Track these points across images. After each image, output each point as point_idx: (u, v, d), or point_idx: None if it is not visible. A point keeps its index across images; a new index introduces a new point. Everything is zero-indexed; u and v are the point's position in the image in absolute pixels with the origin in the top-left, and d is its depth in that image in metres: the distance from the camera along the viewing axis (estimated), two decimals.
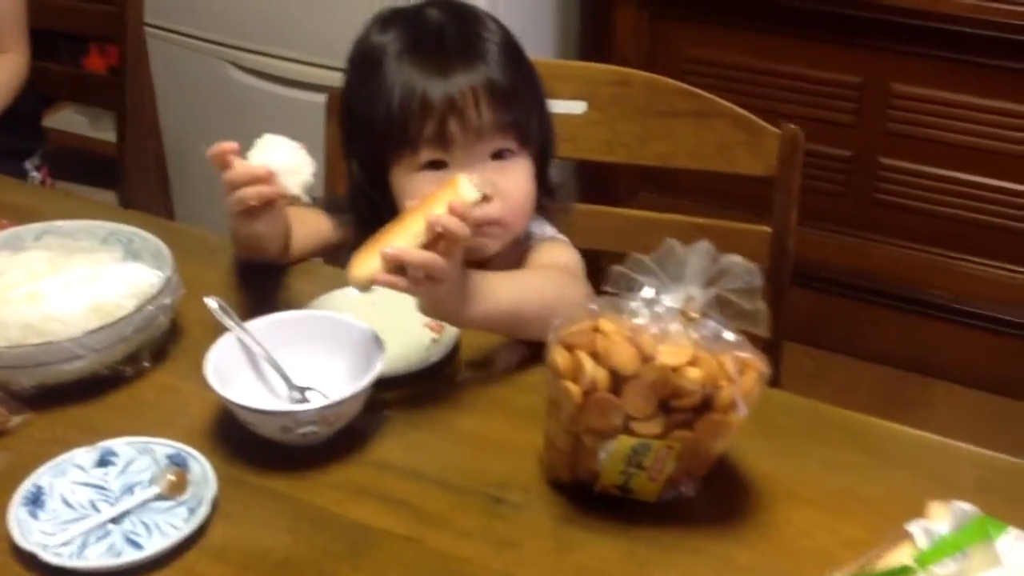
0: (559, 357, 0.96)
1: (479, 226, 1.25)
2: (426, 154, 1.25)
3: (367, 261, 1.05)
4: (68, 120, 3.31)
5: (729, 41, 2.68)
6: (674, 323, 0.91)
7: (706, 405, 0.94)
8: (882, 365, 2.75)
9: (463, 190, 1.08)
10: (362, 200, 1.35)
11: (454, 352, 1.21)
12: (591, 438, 0.97)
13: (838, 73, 2.59)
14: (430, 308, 1.12)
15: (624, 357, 0.93)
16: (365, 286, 1.06)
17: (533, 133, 1.29)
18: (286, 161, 1.14)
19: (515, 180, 1.28)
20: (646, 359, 0.93)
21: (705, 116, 1.56)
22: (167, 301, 1.17)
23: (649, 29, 2.74)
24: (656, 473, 0.98)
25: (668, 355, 0.93)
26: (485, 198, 1.16)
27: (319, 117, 2.68)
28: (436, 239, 1.06)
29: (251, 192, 1.14)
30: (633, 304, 0.92)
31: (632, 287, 0.92)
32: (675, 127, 1.57)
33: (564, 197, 1.41)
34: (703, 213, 2.59)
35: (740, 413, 0.94)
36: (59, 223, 1.29)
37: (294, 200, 1.16)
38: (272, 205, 1.16)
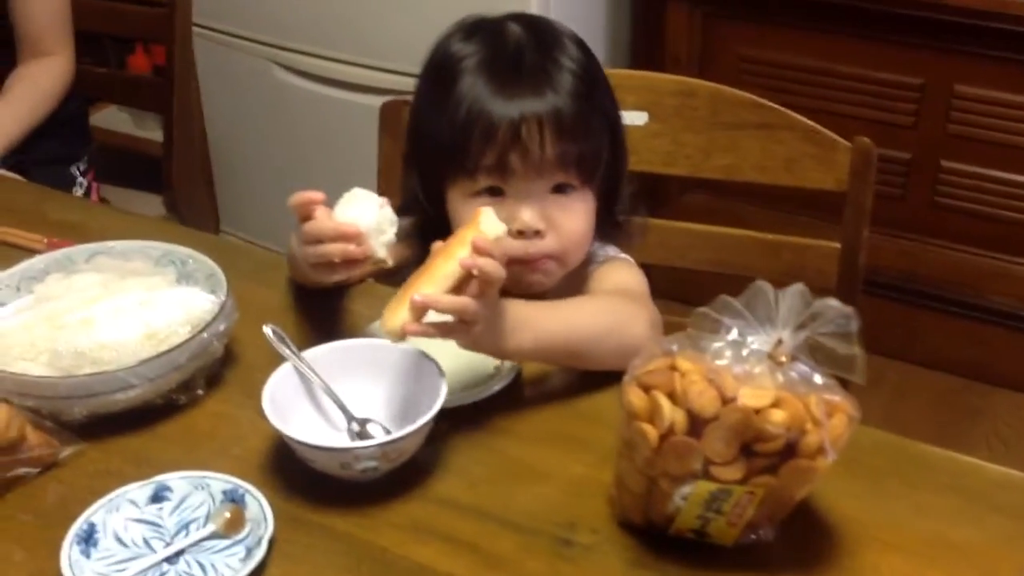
0: (635, 398, 0.92)
1: (532, 262, 1.21)
2: (484, 180, 1.21)
3: (398, 311, 1.02)
4: (112, 119, 3.30)
5: (785, 41, 2.62)
6: (759, 365, 0.86)
7: (791, 450, 0.89)
8: (941, 372, 2.68)
9: (485, 226, 1.04)
10: (419, 213, 1.31)
11: (516, 380, 1.17)
12: (667, 482, 0.92)
13: (898, 74, 2.53)
14: (470, 345, 1.08)
15: (704, 399, 0.89)
16: (398, 337, 1.02)
17: (599, 168, 1.24)
18: (374, 220, 1.09)
19: (573, 217, 1.23)
20: (727, 401, 0.89)
21: (772, 128, 1.50)
22: (222, 327, 1.14)
23: (702, 29, 2.68)
24: (735, 518, 0.93)
25: (750, 397, 0.88)
26: (538, 233, 1.16)
27: (366, 120, 2.66)
28: (467, 279, 1.02)
29: (336, 250, 1.09)
30: (716, 344, 0.87)
31: (717, 329, 0.87)
32: (740, 139, 1.52)
33: (635, 226, 1.35)
34: (754, 214, 2.56)
35: (828, 459, 0.89)
36: (111, 244, 1.25)
37: (380, 263, 1.11)
38: (355, 265, 1.11)
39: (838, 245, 1.50)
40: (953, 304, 2.67)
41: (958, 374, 2.67)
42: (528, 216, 1.20)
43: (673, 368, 0.92)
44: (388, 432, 1.07)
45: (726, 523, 0.94)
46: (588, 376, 1.18)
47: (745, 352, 0.86)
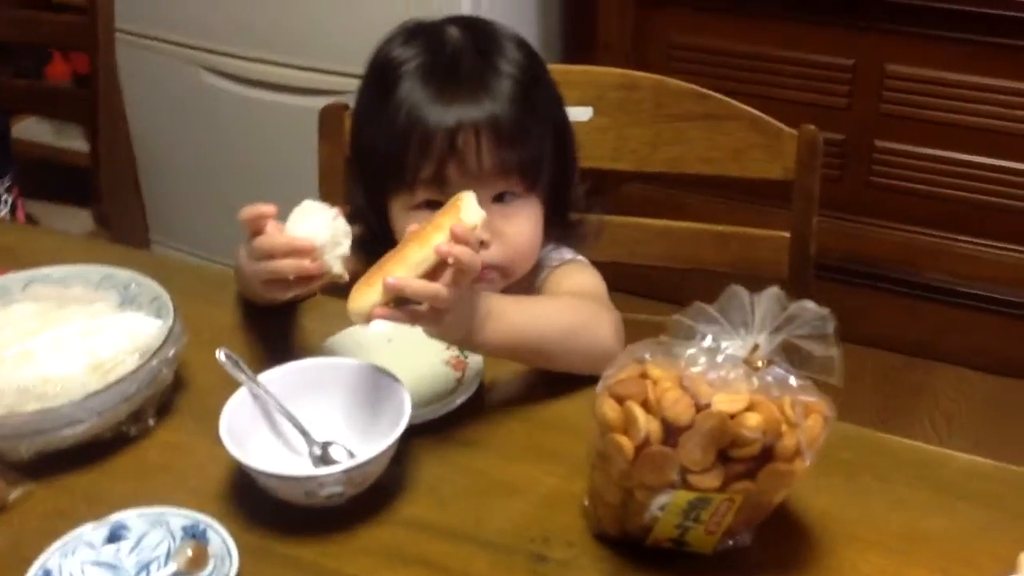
0: (608, 409, 0.89)
1: None
2: (422, 193, 1.18)
3: (367, 293, 0.98)
4: (31, 130, 3.18)
5: (717, 27, 2.62)
6: (735, 371, 0.84)
7: (767, 454, 0.87)
8: (883, 350, 2.70)
9: (466, 213, 1.01)
10: (363, 225, 1.28)
11: (479, 391, 1.14)
12: (644, 493, 0.90)
13: (829, 55, 2.54)
14: (438, 334, 1.05)
15: (679, 407, 0.87)
16: (365, 320, 0.99)
17: (541, 174, 1.21)
18: (328, 233, 1.05)
19: (517, 225, 1.21)
20: (701, 407, 0.87)
21: (717, 119, 1.49)
22: (171, 353, 1.10)
23: (634, 16, 2.66)
24: (714, 526, 0.91)
25: (724, 402, 0.86)
26: (482, 243, 1.12)
27: (299, 122, 2.61)
28: (440, 266, 0.99)
29: (289, 266, 1.05)
30: (690, 351, 0.85)
31: (692, 335, 0.85)
32: (686, 131, 1.50)
33: (590, 225, 1.33)
34: (696, 203, 2.55)
35: (806, 461, 0.87)
36: (47, 270, 1.20)
37: (335, 278, 1.06)
38: (309, 281, 1.07)
39: (787, 234, 1.48)
40: (892, 283, 2.69)
41: (900, 351, 2.69)
42: None
43: (644, 376, 0.90)
44: (351, 455, 1.03)
45: (704, 531, 0.92)
46: (551, 384, 1.16)
47: (720, 358, 0.84)
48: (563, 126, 1.28)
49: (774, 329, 0.83)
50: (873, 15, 2.45)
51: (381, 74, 1.22)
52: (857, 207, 2.64)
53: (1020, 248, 2.55)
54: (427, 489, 1.04)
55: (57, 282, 1.19)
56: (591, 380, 1.15)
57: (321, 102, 2.59)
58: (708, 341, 0.84)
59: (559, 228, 1.30)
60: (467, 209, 1.01)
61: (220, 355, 1.07)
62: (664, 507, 0.90)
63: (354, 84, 2.55)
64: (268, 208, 1.06)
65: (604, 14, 2.67)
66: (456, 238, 0.98)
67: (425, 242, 0.99)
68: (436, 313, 1.00)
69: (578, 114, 1.51)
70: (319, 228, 1.05)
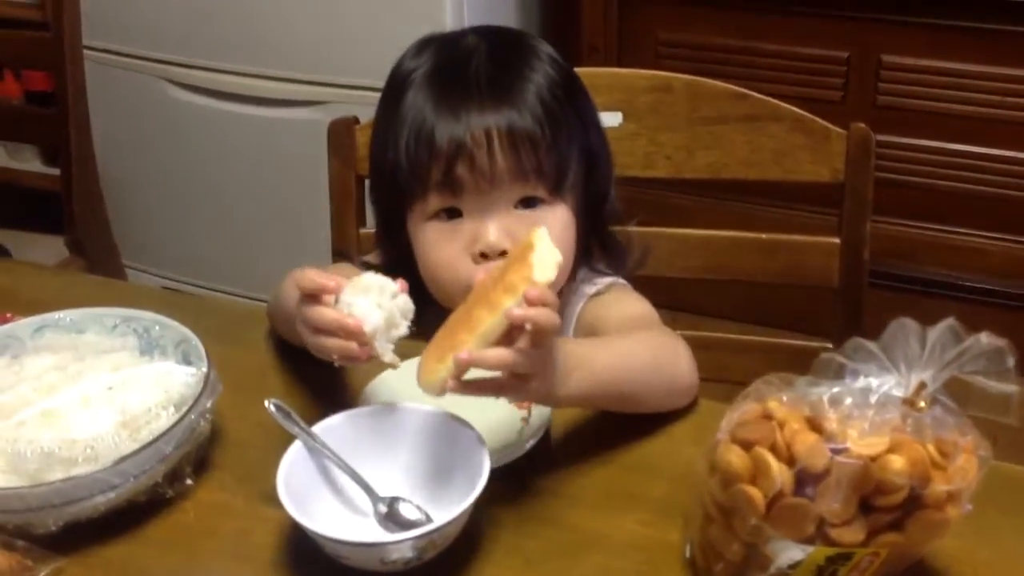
0: (735, 457, 0.79)
1: None
2: (435, 201, 1.08)
3: (437, 365, 0.88)
4: None
5: (705, 21, 2.53)
6: (888, 411, 0.74)
7: (915, 501, 0.78)
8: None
9: (539, 269, 0.87)
10: (382, 254, 1.19)
11: (548, 432, 1.04)
12: (773, 547, 0.81)
13: (824, 48, 2.46)
14: (520, 397, 0.95)
15: (813, 452, 0.77)
16: (439, 393, 0.89)
17: (567, 177, 1.11)
18: (383, 315, 0.93)
19: None
20: (837, 450, 0.77)
21: (758, 120, 1.39)
22: (208, 404, 0.98)
23: (619, 12, 2.57)
24: None
25: (862, 444, 0.77)
26: (504, 253, 1.04)
27: (271, 133, 2.50)
28: (517, 327, 0.88)
29: (334, 346, 0.93)
30: (834, 390, 0.75)
31: (842, 374, 0.75)
32: (725, 134, 1.41)
33: (633, 242, 1.23)
34: (722, 206, 2.47)
35: (960, 508, 0.78)
36: (58, 315, 1.08)
37: (388, 365, 0.95)
38: (356, 362, 0.95)
39: (838, 240, 1.40)
40: (890, 278, 2.61)
41: None
42: (492, 234, 1.07)
43: (768, 417, 0.80)
44: (422, 511, 0.92)
45: None
46: (622, 420, 1.06)
47: (874, 398, 0.74)
48: (596, 135, 1.19)
49: (943, 366, 0.73)
50: (867, 6, 2.38)
51: (391, 86, 1.15)
52: None
53: (1020, 239, 2.50)
54: (510, 546, 0.93)
55: (70, 327, 1.07)
56: (664, 415, 1.07)
57: (293, 113, 2.50)
58: (863, 380, 0.74)
59: (597, 247, 1.21)
60: (540, 263, 0.88)
61: (270, 406, 0.96)
62: (797, 564, 0.80)
63: (328, 93, 2.46)
64: (330, 283, 0.93)
65: (588, 15, 2.57)
66: (533, 301, 0.86)
67: (495, 307, 0.87)
68: (518, 380, 0.90)
69: (607, 120, 1.41)
70: (375, 309, 0.93)
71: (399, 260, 1.16)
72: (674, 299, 1.24)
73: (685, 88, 1.41)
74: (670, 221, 1.44)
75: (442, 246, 1.08)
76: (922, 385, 0.74)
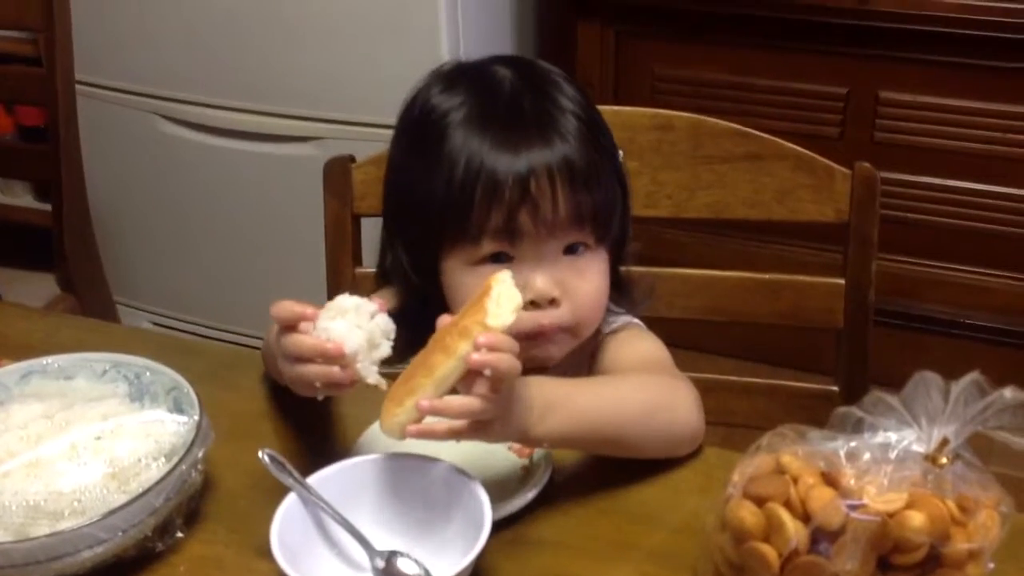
0: (747, 514, 0.77)
1: (543, 334, 1.06)
2: (489, 246, 1.05)
3: (398, 411, 0.87)
4: None
5: (702, 56, 2.52)
6: (908, 467, 0.71)
7: (935, 559, 0.75)
8: (884, 387, 2.60)
9: (493, 315, 0.86)
10: (404, 289, 1.15)
11: (550, 480, 1.01)
12: None
13: (821, 84, 2.45)
14: (489, 440, 0.92)
15: (829, 508, 0.74)
16: (400, 437, 0.87)
17: (613, 222, 1.10)
18: (364, 336, 0.90)
19: (589, 280, 1.08)
20: (853, 506, 0.74)
21: (761, 159, 1.37)
22: (200, 454, 0.95)
23: (615, 48, 2.55)
24: None
25: (879, 500, 0.74)
26: (552, 301, 1.03)
27: (264, 169, 2.47)
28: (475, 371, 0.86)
29: (315, 373, 0.91)
30: (851, 445, 0.72)
31: (860, 428, 0.72)
32: (727, 173, 1.38)
33: (642, 284, 1.21)
34: (721, 244, 2.44)
35: (983, 567, 0.75)
36: (45, 360, 1.05)
37: (373, 386, 0.93)
38: (339, 388, 0.92)
39: (842, 281, 1.37)
40: (890, 315, 2.59)
41: (900, 387, 2.60)
42: (542, 283, 1.05)
43: (781, 471, 0.78)
44: (420, 565, 0.89)
45: None
46: (623, 466, 1.03)
47: (893, 453, 0.72)
48: (622, 167, 1.17)
49: (967, 420, 0.70)
50: (864, 42, 2.36)
51: (424, 125, 1.09)
52: None
53: (1021, 276, 2.48)
54: None
55: (58, 373, 1.04)
56: (667, 461, 1.04)
57: (286, 148, 2.47)
58: (882, 436, 0.71)
59: (613, 288, 1.18)
60: (495, 307, 0.87)
61: (263, 456, 0.93)
62: None
63: (323, 129, 2.43)
64: (306, 310, 0.91)
65: (583, 50, 2.56)
66: (492, 348, 0.85)
67: (450, 352, 0.86)
68: (479, 425, 0.88)
69: None
70: (354, 329, 0.90)
71: (424, 299, 1.11)
72: (671, 335, 1.21)
73: (687, 126, 1.39)
74: (667, 257, 1.42)
75: None
76: (945, 441, 0.72)
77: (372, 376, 0.91)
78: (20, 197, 2.96)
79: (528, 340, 1.04)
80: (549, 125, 1.04)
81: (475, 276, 1.05)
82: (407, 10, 2.21)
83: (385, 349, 0.92)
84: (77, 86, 1.95)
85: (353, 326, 0.91)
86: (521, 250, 1.04)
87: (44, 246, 2.04)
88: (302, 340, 0.91)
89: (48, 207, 2.01)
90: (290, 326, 0.92)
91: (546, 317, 1.05)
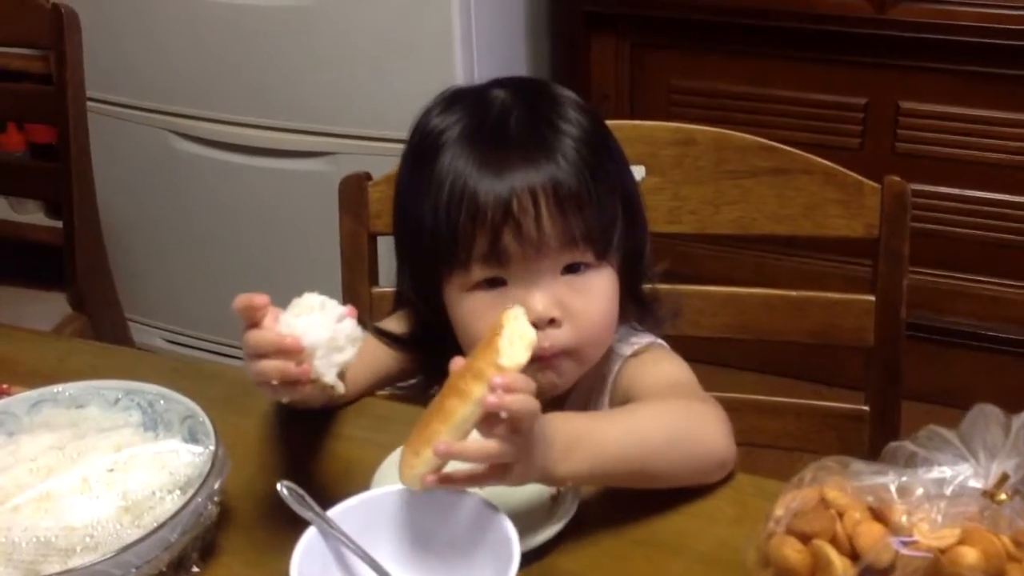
0: (792, 551, 0.73)
1: (544, 359, 1.02)
2: (479, 271, 1.02)
3: (416, 460, 0.84)
4: None
5: (718, 67, 2.49)
6: (965, 504, 0.68)
7: None
8: (910, 401, 2.56)
9: (507, 354, 0.84)
10: (414, 313, 1.12)
11: (577, 511, 0.97)
12: None
13: (840, 95, 2.42)
14: (511, 483, 0.88)
15: (879, 546, 0.71)
16: (420, 487, 0.85)
17: (613, 241, 1.06)
18: (327, 335, 0.88)
19: (590, 300, 1.05)
20: (904, 542, 0.71)
21: (787, 173, 1.34)
22: (216, 485, 0.92)
23: (630, 60, 2.53)
24: None
25: (931, 535, 0.71)
26: (552, 322, 1.00)
27: (276, 184, 2.45)
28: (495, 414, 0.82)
29: (271, 368, 0.88)
30: (902, 479, 0.69)
31: (913, 463, 0.69)
32: (752, 188, 1.35)
33: (665, 303, 1.18)
34: (747, 259, 2.41)
35: None
36: (57, 388, 1.02)
37: (328, 389, 0.90)
38: (295, 387, 0.90)
39: (873, 298, 1.34)
40: (910, 327, 2.55)
41: (928, 401, 2.55)
42: (540, 304, 1.02)
43: (827, 505, 0.74)
44: None
45: None
46: (652, 499, 0.99)
47: (949, 489, 0.68)
48: (632, 190, 1.14)
49: None
50: (884, 52, 2.33)
51: (421, 146, 1.08)
52: None
53: None
54: None
55: (69, 402, 1.01)
56: (698, 489, 1.01)
57: (299, 164, 2.44)
58: (936, 470, 0.68)
59: (634, 306, 1.15)
60: (508, 346, 0.84)
61: (282, 489, 0.90)
62: None
63: (336, 144, 2.40)
64: (260, 298, 0.89)
65: (598, 63, 2.53)
66: (508, 389, 0.81)
67: (465, 396, 0.83)
68: (500, 468, 0.85)
69: None
70: (317, 327, 0.88)
71: (432, 324, 1.10)
72: (690, 349, 1.18)
73: (710, 141, 1.36)
74: (691, 271, 1.38)
75: (486, 317, 1.01)
76: (1004, 476, 0.68)
77: (330, 375, 0.89)
78: (32, 215, 2.94)
79: (529, 365, 1.01)
80: (538, 146, 1.02)
81: (472, 302, 1.03)
82: (420, 24, 2.19)
83: (349, 354, 0.90)
84: (88, 103, 1.93)
85: (316, 323, 0.88)
86: (512, 273, 1.02)
87: (56, 264, 2.02)
88: (261, 335, 0.89)
89: (60, 225, 1.99)
90: (252, 323, 0.90)
91: (547, 339, 1.02)
